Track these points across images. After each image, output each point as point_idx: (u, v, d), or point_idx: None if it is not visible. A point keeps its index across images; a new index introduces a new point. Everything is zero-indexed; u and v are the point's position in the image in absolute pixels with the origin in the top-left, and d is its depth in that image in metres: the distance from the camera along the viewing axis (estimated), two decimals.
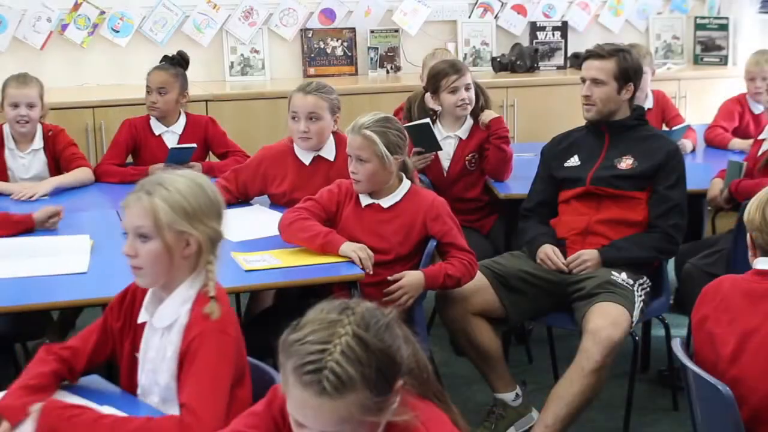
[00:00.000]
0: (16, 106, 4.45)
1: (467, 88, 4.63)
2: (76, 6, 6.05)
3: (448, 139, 4.65)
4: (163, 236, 2.36)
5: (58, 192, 4.44)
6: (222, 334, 2.36)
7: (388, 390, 1.79)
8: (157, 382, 2.43)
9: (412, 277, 3.53)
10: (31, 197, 4.29)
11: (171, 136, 4.71)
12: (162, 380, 2.42)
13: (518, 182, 4.44)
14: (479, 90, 4.80)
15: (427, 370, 1.98)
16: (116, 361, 2.68)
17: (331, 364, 1.70)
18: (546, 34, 6.90)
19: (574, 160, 4.09)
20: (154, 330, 2.46)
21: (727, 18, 6.99)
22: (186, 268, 2.45)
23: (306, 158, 4.20)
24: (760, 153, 4.46)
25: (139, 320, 2.50)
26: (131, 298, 2.56)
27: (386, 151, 3.61)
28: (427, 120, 4.58)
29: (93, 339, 2.56)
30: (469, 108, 4.66)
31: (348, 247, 3.21)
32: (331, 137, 4.21)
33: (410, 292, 3.28)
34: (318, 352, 1.72)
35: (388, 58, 6.68)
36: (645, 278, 3.87)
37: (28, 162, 4.61)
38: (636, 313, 3.75)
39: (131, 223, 2.39)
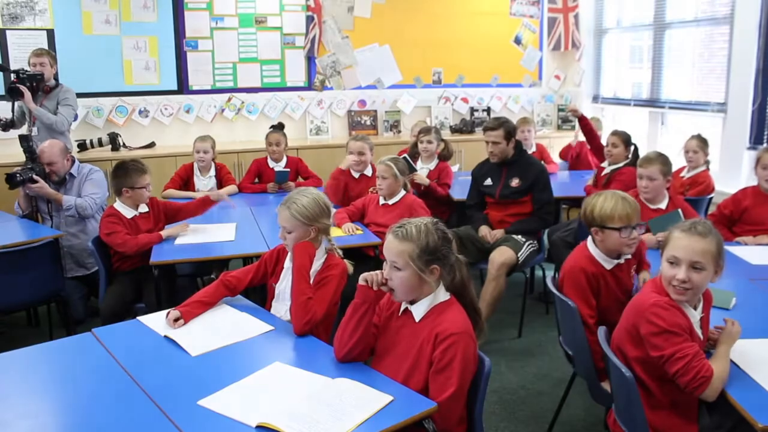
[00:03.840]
0: (198, 152, 5.09)
1: (429, 141, 5.07)
2: (229, 99, 6.82)
3: (423, 169, 5.05)
4: (297, 230, 2.64)
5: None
6: (341, 278, 2.63)
7: (428, 259, 2.06)
8: (288, 297, 2.61)
9: None
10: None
11: (278, 167, 5.24)
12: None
13: (463, 190, 4.79)
14: (446, 143, 5.21)
15: (462, 274, 2.14)
16: (258, 287, 2.85)
17: (407, 227, 2.09)
18: (479, 113, 7.63)
19: (488, 181, 4.41)
20: (291, 272, 2.65)
21: None
22: (314, 241, 2.66)
23: (356, 175, 4.72)
24: (602, 174, 4.88)
25: (286, 264, 2.74)
26: (277, 256, 2.79)
27: (398, 172, 4.09)
28: (405, 155, 4.84)
29: (251, 273, 2.76)
30: (428, 153, 5.07)
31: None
32: (370, 165, 4.73)
33: None
34: (406, 224, 2.12)
35: (394, 126, 7.31)
36: (533, 241, 4.23)
37: (207, 182, 5.14)
38: (522, 254, 4.09)
39: (282, 223, 2.66)
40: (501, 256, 4.03)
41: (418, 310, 2.13)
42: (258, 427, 1.83)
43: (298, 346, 2.38)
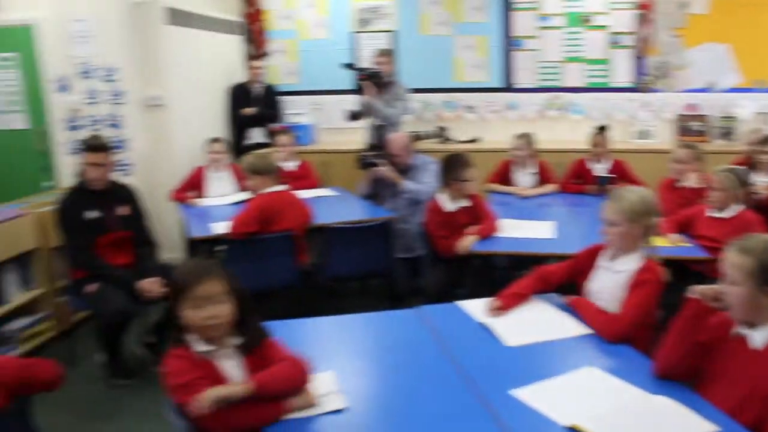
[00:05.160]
0: (514, 149, 5.08)
1: None
2: (553, 98, 6.79)
3: (762, 183, 4.49)
4: (623, 224, 2.59)
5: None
6: (658, 284, 2.52)
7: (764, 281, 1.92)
8: (603, 297, 2.58)
9: None
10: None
11: (600, 170, 5.13)
12: (609, 295, 2.55)
13: None
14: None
15: None
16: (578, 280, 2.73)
17: (751, 240, 1.99)
18: None
19: None
20: (606, 270, 2.64)
21: None
22: (637, 242, 2.60)
23: (688, 185, 4.44)
24: None
25: (600, 263, 2.67)
26: (593, 254, 2.72)
27: (734, 184, 3.76)
28: (742, 167, 4.15)
29: (566, 269, 2.77)
30: None
31: None
32: (697, 174, 4.41)
33: None
34: (751, 237, 2.02)
35: (728, 133, 6.49)
36: None
37: (527, 179, 5.10)
38: None
39: (607, 215, 2.64)
40: None
41: (759, 337, 1.97)
42: (569, 428, 1.82)
43: (614, 354, 2.31)
